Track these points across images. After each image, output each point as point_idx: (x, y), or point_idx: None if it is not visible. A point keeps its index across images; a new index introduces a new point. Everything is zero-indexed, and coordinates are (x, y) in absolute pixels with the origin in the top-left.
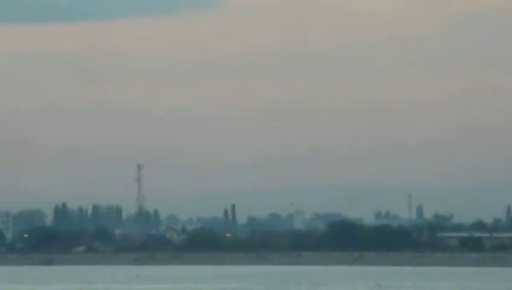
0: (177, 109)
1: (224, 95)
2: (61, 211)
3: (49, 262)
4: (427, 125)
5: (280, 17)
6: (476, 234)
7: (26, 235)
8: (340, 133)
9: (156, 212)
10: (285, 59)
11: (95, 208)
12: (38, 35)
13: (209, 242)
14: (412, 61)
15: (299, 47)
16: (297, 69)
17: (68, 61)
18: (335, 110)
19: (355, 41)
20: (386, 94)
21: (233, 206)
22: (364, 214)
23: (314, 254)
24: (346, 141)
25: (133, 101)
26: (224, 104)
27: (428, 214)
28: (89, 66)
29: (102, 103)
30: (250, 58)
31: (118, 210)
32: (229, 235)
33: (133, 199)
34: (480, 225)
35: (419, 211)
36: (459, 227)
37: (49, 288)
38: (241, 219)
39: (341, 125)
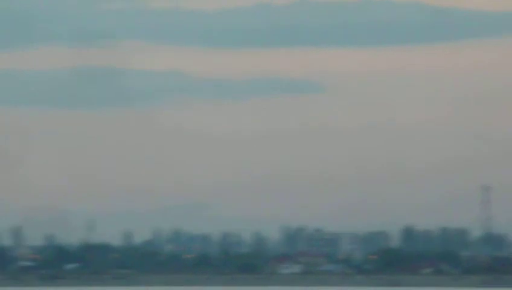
0: None
1: None
2: (408, 233)
3: (396, 283)
4: None
5: None
6: None
7: (373, 257)
8: None
9: (503, 234)
10: None
11: (442, 230)
12: None
13: None
14: None
15: None
16: None
17: None
18: None
19: None
20: None
21: None
22: None
23: None
24: None
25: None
26: None
27: None
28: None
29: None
30: None
31: (464, 232)
32: None
33: (480, 221)
34: None
35: None
36: None
37: None
38: None
39: None
